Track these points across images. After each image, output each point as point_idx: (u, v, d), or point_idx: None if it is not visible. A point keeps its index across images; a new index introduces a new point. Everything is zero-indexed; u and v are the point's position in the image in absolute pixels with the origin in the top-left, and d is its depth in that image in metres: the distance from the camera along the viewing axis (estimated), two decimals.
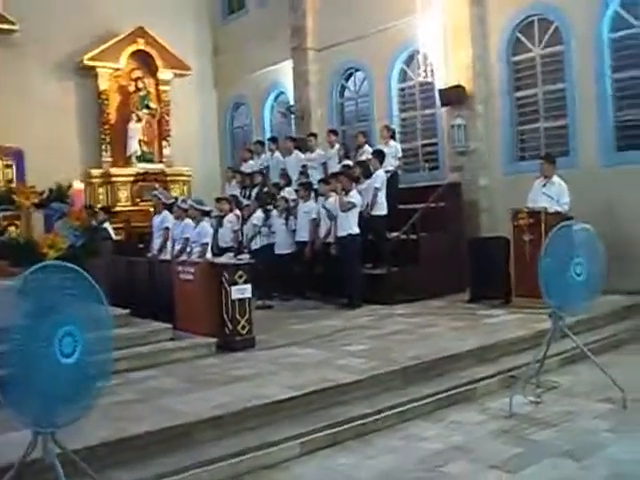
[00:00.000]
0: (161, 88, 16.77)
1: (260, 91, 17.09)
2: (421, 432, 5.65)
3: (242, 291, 7.92)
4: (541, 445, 5.21)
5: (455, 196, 11.77)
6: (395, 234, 10.83)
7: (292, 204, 11.79)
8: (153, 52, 16.35)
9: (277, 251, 11.54)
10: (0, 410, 3.88)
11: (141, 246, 13.05)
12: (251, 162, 14.43)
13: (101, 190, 15.74)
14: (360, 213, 10.52)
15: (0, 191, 11.67)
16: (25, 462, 4.04)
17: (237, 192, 13.43)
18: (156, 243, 11.21)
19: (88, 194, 14.62)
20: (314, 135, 13.62)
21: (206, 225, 10.24)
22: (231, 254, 11.16)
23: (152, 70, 16.59)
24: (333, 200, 10.75)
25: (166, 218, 11.13)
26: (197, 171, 16.96)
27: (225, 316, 7.89)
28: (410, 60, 13.41)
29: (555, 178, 9.53)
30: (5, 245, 8.78)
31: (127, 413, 5.43)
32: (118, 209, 15.29)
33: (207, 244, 10.03)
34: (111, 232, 12.64)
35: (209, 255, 9.89)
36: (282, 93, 16.69)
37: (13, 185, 12.19)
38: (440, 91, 12.27)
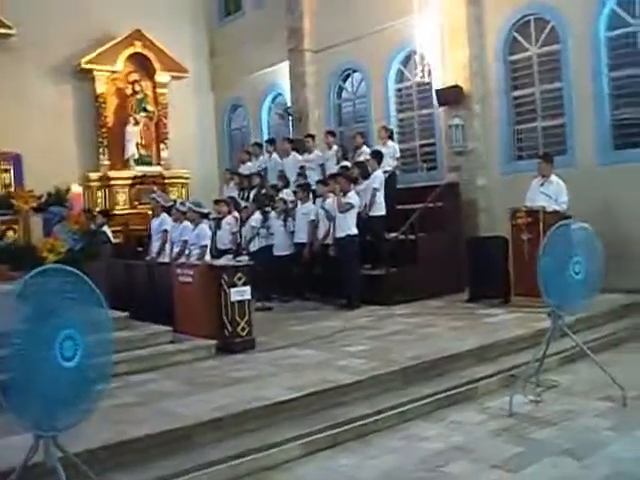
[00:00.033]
0: (158, 91, 16.77)
1: (257, 93, 17.10)
2: (422, 432, 5.66)
3: (241, 293, 7.92)
4: (541, 444, 5.22)
5: (453, 196, 11.77)
6: (393, 234, 10.83)
7: (290, 205, 11.80)
8: (150, 55, 16.36)
9: (276, 253, 11.55)
10: (1, 414, 3.88)
11: (140, 249, 13.07)
12: (249, 164, 14.44)
13: (99, 193, 15.74)
14: (358, 214, 10.53)
15: None
16: (27, 466, 4.04)
17: (235, 194, 13.44)
18: (155, 246, 11.20)
19: (86, 197, 14.64)
20: (312, 136, 13.63)
21: (205, 227, 10.24)
22: (230, 256, 11.15)
23: (149, 73, 16.60)
24: (331, 201, 10.76)
25: (164, 221, 11.12)
26: (195, 173, 16.97)
27: (224, 318, 7.89)
28: (407, 60, 13.43)
29: (553, 177, 9.54)
30: (4, 249, 8.78)
31: (127, 416, 5.43)
32: (116, 212, 15.28)
33: (206, 246, 10.02)
34: (110, 235, 12.65)
35: (208, 257, 9.89)
36: (279, 95, 16.69)
37: (11, 189, 12.18)
38: (437, 91, 12.29)
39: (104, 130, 16.03)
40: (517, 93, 11.78)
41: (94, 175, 15.72)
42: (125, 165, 16.13)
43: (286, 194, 12.18)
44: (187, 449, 5.03)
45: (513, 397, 5.98)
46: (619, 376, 6.12)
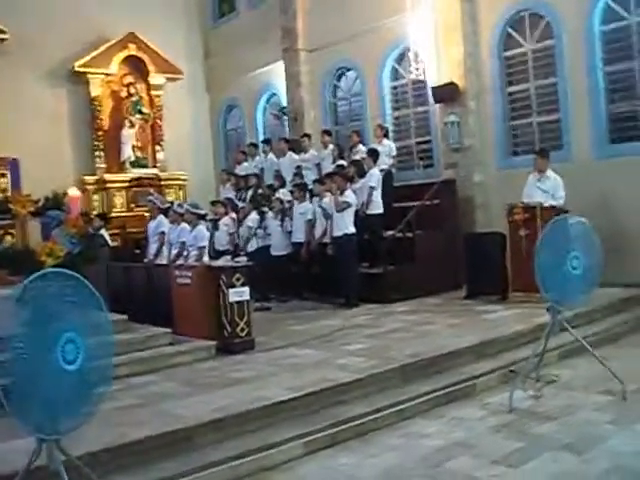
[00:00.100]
0: (153, 93, 16.74)
1: (252, 93, 17.09)
2: (422, 429, 5.67)
3: (240, 294, 7.93)
4: (542, 439, 5.23)
5: (450, 193, 11.78)
6: (391, 232, 10.84)
7: (287, 205, 11.81)
8: (144, 57, 16.33)
9: (273, 253, 11.55)
10: (4, 418, 3.89)
11: (137, 252, 13.08)
12: (245, 164, 14.45)
13: (96, 197, 15.71)
14: (356, 212, 10.55)
15: None
16: (30, 469, 4.05)
17: (232, 195, 13.44)
18: (152, 248, 11.21)
19: (83, 201, 14.61)
20: (308, 136, 13.64)
21: (202, 229, 10.25)
22: (228, 257, 11.16)
23: (144, 75, 16.56)
24: (329, 200, 10.77)
25: (161, 223, 11.13)
26: (191, 175, 16.95)
27: (224, 319, 7.90)
28: (401, 58, 13.43)
29: (550, 172, 9.56)
30: (2, 254, 8.78)
31: (128, 418, 5.44)
32: (113, 215, 15.25)
33: (204, 247, 10.04)
34: (107, 238, 12.64)
35: (206, 258, 9.90)
36: (274, 95, 16.68)
37: (8, 194, 12.16)
38: (433, 88, 12.29)
39: (100, 133, 16.00)
40: (512, 89, 11.79)
41: (90, 178, 15.68)
42: (121, 168, 16.11)
43: (283, 194, 12.19)
44: (188, 450, 5.03)
45: (513, 393, 5.99)
46: (618, 370, 6.14)
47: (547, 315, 6.23)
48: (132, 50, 16.16)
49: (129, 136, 16.17)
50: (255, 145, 14.92)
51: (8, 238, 10.16)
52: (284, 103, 15.84)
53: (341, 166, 11.81)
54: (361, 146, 12.38)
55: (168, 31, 16.83)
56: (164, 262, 10.45)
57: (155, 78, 16.60)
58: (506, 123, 11.84)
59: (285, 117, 15.74)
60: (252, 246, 11.52)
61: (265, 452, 5.10)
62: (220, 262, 9.77)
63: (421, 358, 6.85)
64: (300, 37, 15.01)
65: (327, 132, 13.39)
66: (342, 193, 10.40)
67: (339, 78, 14.95)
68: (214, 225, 11.88)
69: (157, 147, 16.71)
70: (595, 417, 5.64)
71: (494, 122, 11.90)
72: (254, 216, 11.72)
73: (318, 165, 13.02)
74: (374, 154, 11.33)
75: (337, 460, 5.15)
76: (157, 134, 16.74)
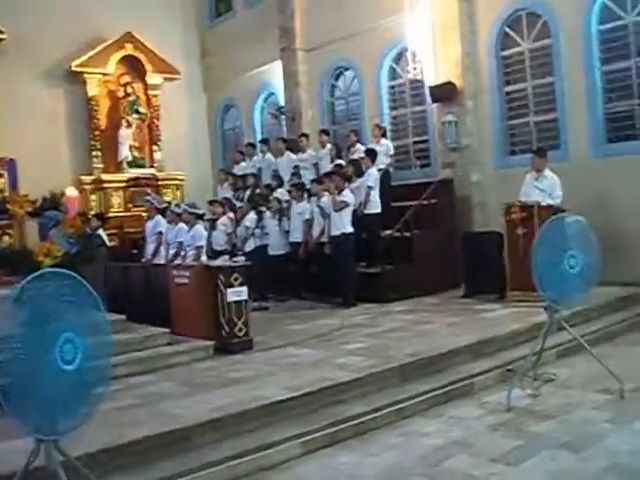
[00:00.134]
0: (150, 93, 16.72)
1: (250, 93, 17.08)
2: (420, 428, 5.68)
3: (238, 293, 7.93)
4: (540, 437, 5.24)
5: (447, 192, 11.78)
6: (388, 232, 10.84)
7: (285, 205, 11.81)
8: (141, 57, 16.31)
9: (271, 252, 11.55)
10: (3, 418, 3.88)
11: (135, 251, 13.07)
12: (243, 164, 14.44)
13: (93, 197, 15.69)
14: (353, 212, 10.55)
15: None
16: (28, 470, 4.04)
17: (230, 194, 13.43)
18: (149, 248, 11.21)
19: (80, 201, 14.59)
20: (305, 135, 13.64)
21: (200, 228, 10.26)
22: (226, 257, 11.16)
23: (141, 75, 16.54)
24: (326, 199, 10.77)
25: (159, 223, 11.13)
26: (189, 174, 16.92)
27: (222, 319, 7.89)
28: (399, 58, 13.44)
29: (547, 171, 9.56)
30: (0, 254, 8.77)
31: (126, 418, 5.44)
32: (111, 215, 15.22)
33: (201, 247, 10.05)
34: (105, 239, 12.61)
35: (204, 258, 9.90)
36: (272, 94, 16.68)
37: (6, 194, 12.15)
38: (430, 88, 12.30)
39: (97, 133, 15.98)
40: (510, 88, 11.79)
41: (88, 178, 15.65)
42: (118, 168, 16.09)
43: (280, 194, 12.19)
44: (186, 450, 5.03)
45: (511, 391, 6.01)
46: (616, 369, 6.16)
47: (545, 314, 6.25)
48: (129, 50, 16.14)
49: (126, 136, 16.15)
50: (253, 145, 14.92)
51: (6, 238, 10.17)
52: (282, 103, 15.83)
53: (339, 165, 11.82)
54: (359, 145, 12.38)
55: (165, 31, 16.82)
56: (162, 262, 10.45)
57: (152, 78, 16.58)
58: (503, 122, 11.84)
59: (283, 117, 15.74)
60: (250, 246, 11.51)
61: (263, 452, 5.11)
62: (218, 262, 9.76)
63: (420, 357, 6.86)
64: (298, 36, 15.01)
65: (325, 132, 13.40)
66: (340, 193, 10.41)
67: (337, 78, 14.95)
68: (212, 225, 11.87)
69: (154, 147, 16.69)
70: (593, 415, 5.65)
71: (491, 121, 11.91)
72: (252, 216, 11.72)
73: (316, 165, 13.03)
74: (372, 154, 11.33)
75: (336, 459, 5.15)
76: (154, 134, 16.72)
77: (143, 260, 11.24)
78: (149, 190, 14.95)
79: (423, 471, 4.80)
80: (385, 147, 12.14)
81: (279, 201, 11.79)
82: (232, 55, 16.72)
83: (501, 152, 11.87)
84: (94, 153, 15.92)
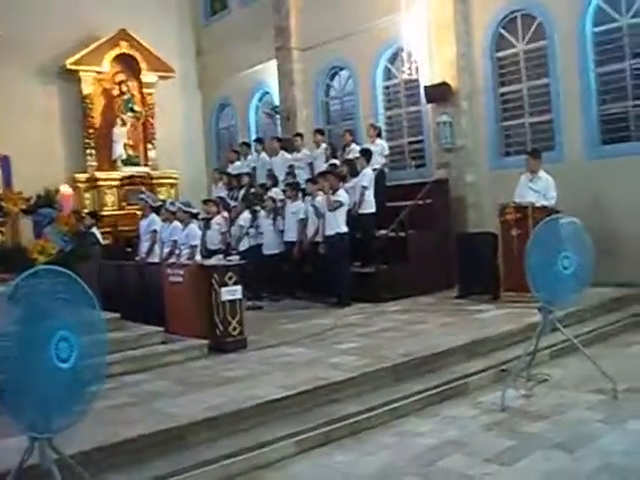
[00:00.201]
0: (145, 91, 16.70)
1: (245, 92, 17.07)
2: (415, 428, 5.68)
3: (232, 292, 7.92)
4: (534, 437, 5.26)
5: (442, 193, 11.80)
6: (383, 232, 10.85)
7: (279, 204, 11.80)
8: (136, 55, 16.29)
9: (265, 252, 11.54)
10: None
11: (129, 250, 13.05)
12: (237, 163, 14.43)
13: (87, 195, 15.66)
14: (348, 211, 10.56)
15: None
16: (22, 468, 4.03)
17: (224, 194, 13.42)
18: (144, 246, 11.20)
19: (74, 199, 14.57)
20: (300, 135, 13.65)
21: (194, 227, 10.25)
22: (220, 256, 11.15)
23: (136, 73, 16.52)
24: (321, 199, 10.78)
25: (153, 221, 11.12)
26: (183, 173, 16.94)
27: (216, 318, 7.88)
28: (394, 58, 13.44)
29: (541, 173, 9.59)
30: None
31: (121, 417, 5.43)
32: (105, 213, 15.21)
33: (196, 246, 10.05)
34: (99, 237, 12.61)
35: (198, 257, 9.89)
36: (267, 93, 16.67)
37: (0, 191, 12.11)
38: (425, 88, 12.31)
39: (91, 131, 15.95)
40: (504, 89, 11.82)
41: (82, 176, 15.62)
42: (113, 166, 16.07)
43: (275, 193, 12.18)
44: (181, 449, 5.03)
45: (505, 391, 6.01)
46: (609, 369, 6.18)
47: (538, 315, 6.26)
48: (124, 48, 16.12)
49: (121, 134, 16.13)
50: (247, 144, 14.90)
51: None
52: (277, 102, 15.83)
53: (334, 165, 11.82)
54: (354, 145, 12.38)
55: (160, 29, 16.81)
56: (156, 260, 10.44)
57: (147, 76, 16.56)
58: (498, 123, 11.87)
59: (277, 116, 15.74)
60: (244, 245, 11.51)
61: (258, 451, 5.10)
62: (212, 261, 9.76)
63: (414, 357, 6.87)
64: (293, 36, 15.01)
65: (319, 131, 13.41)
66: (334, 192, 10.41)
67: (332, 77, 14.96)
68: (206, 224, 11.87)
69: (149, 145, 16.68)
70: (586, 416, 5.67)
71: (486, 122, 11.93)
72: (246, 215, 11.71)
73: (310, 164, 13.03)
74: (367, 154, 11.34)
75: (330, 458, 5.15)
76: (149, 132, 16.71)
77: (137, 258, 11.22)
78: (143, 188, 14.92)
79: (417, 470, 4.80)
80: (380, 147, 12.15)
81: (274, 200, 11.79)
82: (227, 54, 16.71)
83: (496, 153, 11.89)
84: (88, 151, 15.89)
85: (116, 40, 16.02)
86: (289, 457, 5.17)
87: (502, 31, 11.69)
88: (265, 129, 16.59)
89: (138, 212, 13.29)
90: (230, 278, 7.91)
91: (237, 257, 9.69)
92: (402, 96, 13.54)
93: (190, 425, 5.22)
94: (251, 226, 11.60)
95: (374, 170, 11.40)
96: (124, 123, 16.20)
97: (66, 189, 9.84)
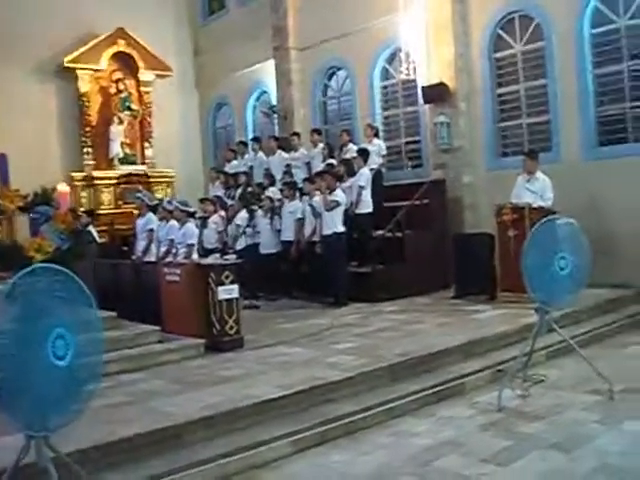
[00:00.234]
0: (142, 89, 16.70)
1: (242, 91, 17.06)
2: (411, 428, 5.68)
3: (229, 291, 7.91)
4: (530, 438, 5.26)
5: (439, 193, 11.81)
6: (380, 232, 10.85)
7: (277, 204, 11.79)
8: (134, 53, 16.29)
9: (262, 251, 11.54)
10: None
11: (125, 248, 13.03)
12: (234, 162, 14.44)
13: (84, 193, 15.65)
14: (345, 211, 10.56)
15: None
16: (19, 466, 4.03)
17: (221, 193, 13.41)
18: (140, 245, 11.16)
19: (71, 197, 14.53)
20: (297, 134, 13.65)
21: (191, 226, 10.23)
22: (217, 255, 11.14)
23: (133, 71, 16.52)
24: (318, 199, 10.77)
25: (150, 220, 11.08)
26: (180, 172, 16.93)
27: (213, 317, 7.87)
28: (392, 58, 13.45)
29: (538, 174, 9.59)
30: None
31: (117, 415, 5.42)
32: (101, 212, 15.21)
33: (193, 245, 10.02)
34: (95, 235, 12.59)
35: (195, 256, 9.87)
36: (264, 93, 16.67)
37: None
38: (423, 88, 12.31)
39: (88, 129, 15.93)
40: (502, 90, 11.83)
41: (78, 175, 15.62)
42: (109, 165, 16.06)
43: (272, 192, 12.17)
44: (177, 448, 5.02)
45: (501, 392, 6.02)
46: (605, 370, 6.20)
47: (535, 315, 6.27)
48: (121, 46, 16.13)
49: (118, 132, 16.13)
50: (245, 143, 14.89)
51: None
52: (274, 101, 15.83)
53: (331, 165, 11.82)
54: (351, 145, 12.38)
55: (158, 27, 16.81)
56: (152, 259, 10.42)
57: (144, 74, 16.56)
58: (496, 124, 11.87)
59: (275, 115, 15.73)
60: (241, 244, 11.50)
61: (254, 450, 5.10)
62: (209, 260, 9.75)
63: (410, 357, 6.87)
64: (291, 35, 15.01)
65: (317, 131, 13.41)
66: (331, 192, 10.41)
67: (330, 77, 14.95)
68: (203, 223, 11.85)
69: (146, 144, 16.68)
70: (582, 416, 5.68)
71: (484, 123, 11.93)
72: (243, 214, 11.71)
73: (308, 164, 13.03)
74: (364, 153, 11.33)
75: (327, 458, 5.15)
76: (146, 131, 16.70)
77: (133, 257, 11.20)
78: (140, 187, 14.90)
79: (413, 470, 4.81)
80: (377, 147, 12.15)
81: (271, 200, 11.77)
82: (225, 53, 16.70)
83: (493, 154, 11.90)
84: (85, 149, 15.89)
85: (114, 38, 16.01)
86: (285, 457, 5.17)
87: (500, 32, 11.70)
88: (262, 128, 16.59)
89: (135, 211, 13.27)
90: (227, 277, 7.90)
91: (234, 256, 9.69)
92: (400, 96, 13.54)
93: (186, 424, 5.22)
94: (248, 225, 11.59)
95: (371, 170, 11.40)
96: (121, 121, 16.20)
97: (63, 187, 9.81)
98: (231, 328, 7.88)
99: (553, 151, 10.96)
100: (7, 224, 10.24)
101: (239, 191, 12.92)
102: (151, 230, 10.94)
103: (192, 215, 10.64)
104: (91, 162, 15.87)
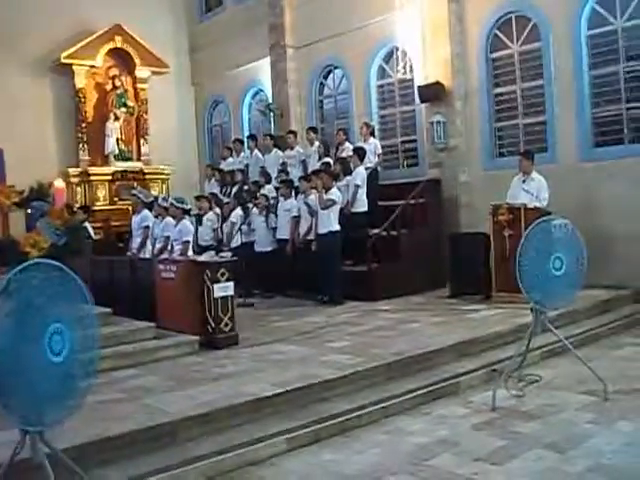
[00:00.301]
0: (139, 86, 16.65)
1: (238, 89, 17.04)
2: (405, 427, 5.69)
3: (224, 289, 7.91)
4: (525, 437, 5.27)
5: (435, 192, 11.83)
6: (375, 231, 10.86)
7: (272, 202, 11.79)
8: (130, 50, 16.24)
9: (257, 249, 11.55)
10: None
11: (120, 245, 13.02)
12: (230, 160, 14.44)
13: (79, 189, 15.60)
14: (341, 210, 10.56)
15: None
16: (14, 462, 4.01)
17: (217, 190, 13.40)
18: (135, 242, 11.16)
19: (66, 193, 14.50)
20: (293, 133, 13.65)
21: (187, 223, 10.23)
22: (212, 252, 11.12)
23: (129, 68, 16.48)
24: (314, 197, 10.78)
25: (146, 217, 11.09)
26: (175, 169, 16.88)
27: (208, 314, 7.87)
28: (389, 57, 13.45)
29: (534, 174, 9.62)
30: None
31: (112, 412, 5.42)
32: (97, 208, 15.16)
33: (188, 242, 10.01)
34: (91, 231, 12.55)
35: (190, 253, 9.87)
36: (260, 91, 16.64)
37: None
38: (419, 88, 12.31)
39: (84, 125, 15.88)
40: (498, 90, 11.83)
41: (74, 171, 15.56)
42: (105, 161, 16.01)
43: (268, 190, 12.17)
44: (172, 444, 5.03)
45: (496, 391, 6.03)
46: (600, 370, 6.22)
47: (530, 315, 6.28)
48: (118, 42, 16.06)
49: (113, 129, 16.07)
50: (240, 141, 14.90)
51: None
52: (270, 99, 15.80)
53: (327, 163, 11.82)
54: (347, 144, 12.39)
55: (155, 24, 16.79)
56: (147, 256, 10.41)
57: (141, 71, 16.53)
58: (492, 124, 11.88)
59: (271, 113, 15.70)
60: (236, 242, 11.49)
61: (249, 447, 5.10)
62: (205, 257, 9.74)
63: (405, 356, 6.88)
64: (287, 33, 15.00)
65: (313, 129, 13.41)
66: (327, 191, 10.41)
67: (326, 76, 14.94)
68: (198, 220, 11.85)
69: (141, 141, 16.64)
70: (577, 416, 5.69)
71: (480, 123, 11.94)
72: (238, 212, 11.70)
73: (303, 162, 13.04)
74: (360, 152, 11.34)
75: (321, 456, 5.16)
76: (142, 127, 16.67)
77: (128, 254, 11.19)
78: (135, 184, 14.89)
79: (407, 469, 4.81)
80: (373, 146, 12.17)
81: (266, 198, 11.77)
82: (221, 50, 16.69)
83: (489, 154, 11.91)
84: (81, 145, 15.82)
85: (110, 35, 15.95)
86: (280, 454, 5.17)
87: (497, 32, 11.70)
88: (258, 126, 16.55)
89: (130, 207, 13.24)
90: (222, 275, 7.90)
91: (229, 254, 9.67)
92: (396, 95, 13.53)
93: (181, 421, 5.22)
94: (243, 223, 11.59)
95: (367, 169, 11.41)
96: (117, 118, 16.15)
97: (60, 183, 9.77)
98: (226, 325, 7.88)
99: (549, 152, 10.98)
100: (2, 219, 10.19)
101: (235, 189, 12.91)
102: (147, 227, 10.94)
103: (188, 212, 10.63)
104: (87, 158, 15.80)
